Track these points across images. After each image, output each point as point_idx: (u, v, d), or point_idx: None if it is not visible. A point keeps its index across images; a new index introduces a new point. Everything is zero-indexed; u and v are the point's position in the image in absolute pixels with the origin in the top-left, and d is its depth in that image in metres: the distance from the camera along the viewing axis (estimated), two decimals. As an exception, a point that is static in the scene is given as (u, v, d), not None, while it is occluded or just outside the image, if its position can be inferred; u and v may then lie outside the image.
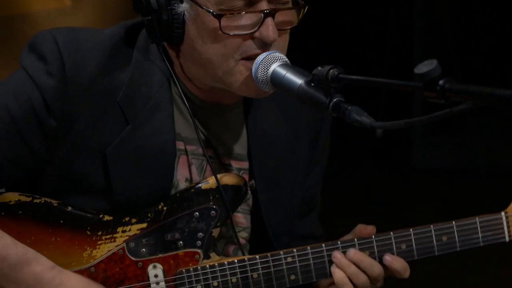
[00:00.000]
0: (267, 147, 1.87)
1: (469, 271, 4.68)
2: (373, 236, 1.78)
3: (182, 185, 1.79)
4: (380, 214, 4.98)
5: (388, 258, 1.77)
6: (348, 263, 1.76)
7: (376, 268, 1.77)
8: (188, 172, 1.81)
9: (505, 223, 1.78)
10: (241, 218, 1.90)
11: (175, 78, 1.77)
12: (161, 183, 1.77)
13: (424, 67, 1.31)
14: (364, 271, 1.76)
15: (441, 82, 1.31)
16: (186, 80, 1.79)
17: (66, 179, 1.75)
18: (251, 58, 1.68)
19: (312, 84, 1.56)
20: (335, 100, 1.54)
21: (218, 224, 1.78)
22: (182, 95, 1.77)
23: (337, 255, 1.76)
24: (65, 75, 1.69)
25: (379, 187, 6.34)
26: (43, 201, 1.75)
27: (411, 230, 1.78)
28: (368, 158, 7.18)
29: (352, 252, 1.76)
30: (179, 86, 1.77)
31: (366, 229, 1.79)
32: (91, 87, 1.71)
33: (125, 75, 1.75)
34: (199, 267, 1.76)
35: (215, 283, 1.76)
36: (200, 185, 1.78)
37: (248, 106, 1.85)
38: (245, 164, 1.87)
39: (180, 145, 1.80)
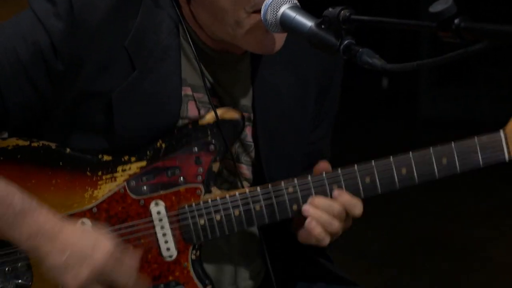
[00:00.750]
0: (272, 99, 1.85)
1: (475, 225, 4.69)
2: (373, 162, 1.76)
3: None
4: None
5: (336, 192, 1.75)
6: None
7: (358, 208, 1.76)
8: (198, 115, 1.79)
9: (504, 141, 1.74)
10: (245, 169, 1.87)
11: (184, 25, 1.74)
12: (165, 126, 1.75)
13: (439, 5, 1.27)
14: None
15: (456, 20, 1.27)
16: (196, 27, 1.76)
17: (70, 121, 1.73)
18: None
19: (323, 26, 1.52)
20: (346, 42, 1.50)
21: (218, 158, 1.76)
22: (191, 42, 1.73)
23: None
24: (74, 17, 1.66)
25: (385, 138, 6.32)
26: (41, 145, 1.74)
27: (410, 153, 1.76)
28: (375, 110, 7.14)
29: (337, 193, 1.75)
30: (188, 33, 1.74)
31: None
32: (99, 31, 1.68)
33: (134, 20, 1.71)
34: (201, 202, 1.74)
35: (218, 217, 1.75)
36: (197, 121, 1.77)
37: (256, 57, 1.82)
38: (250, 116, 1.84)
39: (187, 90, 1.78)
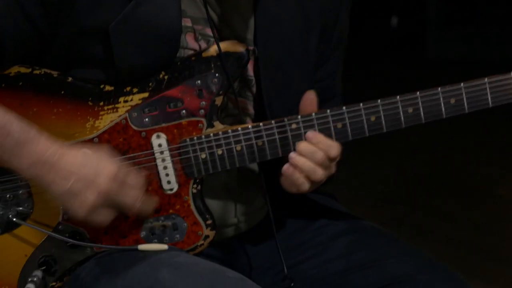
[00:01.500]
0: (274, 32, 1.79)
1: (482, 163, 4.66)
2: (379, 101, 1.71)
3: None
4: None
5: (310, 134, 1.71)
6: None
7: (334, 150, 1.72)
8: (197, 45, 1.74)
9: (514, 82, 1.70)
10: (247, 104, 1.84)
11: None
12: (165, 56, 1.71)
13: None
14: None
15: None
16: None
17: (69, 54, 1.68)
18: None
19: None
20: None
21: (221, 92, 1.72)
22: None
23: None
24: None
25: (393, 79, 6.25)
26: (43, 72, 1.70)
27: (418, 93, 1.71)
28: (383, 50, 7.06)
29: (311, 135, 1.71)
30: None
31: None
32: None
33: None
34: (203, 136, 1.71)
35: (220, 151, 1.72)
36: (201, 53, 1.72)
37: None
38: (251, 49, 1.77)
39: (187, 22, 1.73)
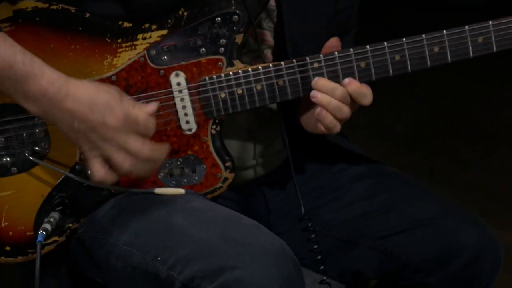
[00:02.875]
0: None
1: (502, 108, 4.56)
2: (404, 39, 1.64)
3: None
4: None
5: (347, 80, 1.65)
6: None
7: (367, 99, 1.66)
8: None
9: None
10: (268, 36, 1.77)
11: None
12: None
13: None
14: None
15: None
16: None
17: None
18: None
19: None
20: None
21: (241, 30, 1.65)
22: None
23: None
24: None
25: (410, 24, 6.12)
26: (60, 8, 1.63)
27: (444, 31, 1.64)
28: None
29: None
30: None
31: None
32: None
33: None
34: (222, 75, 1.65)
35: (239, 91, 1.66)
36: None
37: None
38: None
39: None
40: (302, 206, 1.75)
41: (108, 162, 1.54)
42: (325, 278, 1.76)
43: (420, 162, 3.97)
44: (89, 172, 1.57)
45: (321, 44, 1.73)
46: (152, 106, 1.57)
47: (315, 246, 1.76)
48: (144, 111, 1.55)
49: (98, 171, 1.55)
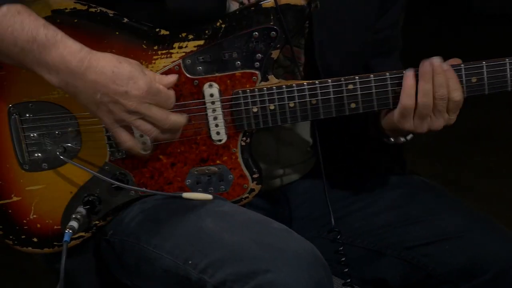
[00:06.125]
0: None
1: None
2: (433, 62, 1.55)
3: (236, 8, 1.60)
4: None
5: (444, 66, 1.56)
6: (440, 71, 1.55)
7: (459, 92, 1.57)
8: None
9: None
10: (299, 52, 1.70)
11: None
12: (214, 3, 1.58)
13: None
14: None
15: None
16: None
17: None
18: None
19: None
20: None
21: (278, 46, 1.58)
22: None
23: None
24: None
25: (436, 33, 5.96)
26: (98, 11, 1.58)
27: (483, 62, 1.57)
28: (427, 4, 6.71)
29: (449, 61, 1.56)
30: None
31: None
32: None
33: None
34: (256, 89, 1.59)
35: (272, 106, 1.60)
36: (261, 3, 1.59)
37: None
38: None
39: None
40: (332, 218, 1.70)
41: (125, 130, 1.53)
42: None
43: (444, 171, 3.90)
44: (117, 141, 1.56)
45: (356, 64, 1.67)
46: (172, 78, 1.55)
47: (343, 259, 1.72)
48: (165, 83, 1.53)
49: (126, 140, 1.55)
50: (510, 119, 4.44)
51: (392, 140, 1.70)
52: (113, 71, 1.47)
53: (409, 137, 1.69)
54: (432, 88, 1.55)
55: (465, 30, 6.12)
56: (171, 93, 1.54)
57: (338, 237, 1.71)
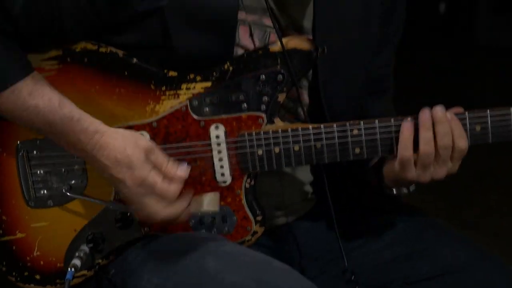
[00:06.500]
0: (334, 21, 1.66)
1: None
2: (441, 115, 1.57)
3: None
4: (442, 92, 4.71)
5: (448, 114, 1.56)
6: (444, 120, 1.56)
7: (464, 140, 1.58)
8: (250, 42, 1.62)
9: None
10: (303, 93, 1.71)
11: None
12: (223, 40, 1.59)
13: None
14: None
15: None
16: None
17: (129, 34, 1.58)
18: None
19: None
20: None
21: (285, 89, 1.60)
22: None
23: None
24: None
25: (441, 65, 5.98)
26: (108, 51, 1.61)
27: (487, 111, 1.58)
28: (431, 36, 6.76)
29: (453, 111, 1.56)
30: None
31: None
32: None
33: None
34: (262, 132, 1.60)
35: (277, 150, 1.61)
36: (268, 47, 1.61)
37: None
38: (309, 38, 1.65)
39: (241, 15, 1.60)
40: (345, 259, 1.71)
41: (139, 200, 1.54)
42: None
43: (448, 208, 3.89)
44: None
45: (359, 102, 1.68)
46: (182, 171, 1.54)
47: None
48: (171, 173, 1.52)
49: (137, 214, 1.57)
50: (510, 159, 4.44)
51: (395, 191, 1.70)
52: (116, 158, 1.50)
53: (411, 188, 1.69)
54: (433, 137, 1.56)
55: (469, 63, 6.13)
56: (172, 187, 1.53)
57: (353, 277, 1.71)
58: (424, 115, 1.56)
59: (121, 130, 1.53)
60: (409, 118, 1.58)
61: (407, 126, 1.57)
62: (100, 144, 1.50)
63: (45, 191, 1.65)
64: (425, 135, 1.56)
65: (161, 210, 1.52)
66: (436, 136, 1.56)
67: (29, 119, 1.51)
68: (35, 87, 1.51)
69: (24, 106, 1.50)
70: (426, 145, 1.56)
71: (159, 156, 1.52)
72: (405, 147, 1.57)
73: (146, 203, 1.51)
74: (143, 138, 1.54)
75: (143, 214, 1.53)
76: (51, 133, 1.52)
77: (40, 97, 1.50)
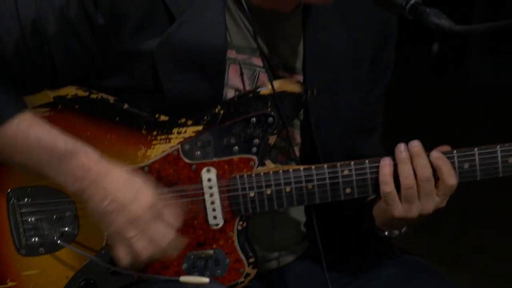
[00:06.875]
0: (324, 61, 1.67)
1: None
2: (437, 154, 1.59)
3: (231, 95, 1.63)
4: (435, 132, 4.75)
5: (435, 154, 1.58)
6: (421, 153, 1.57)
7: (453, 178, 1.58)
8: (240, 82, 1.63)
9: None
10: (295, 133, 1.72)
11: None
12: (213, 81, 1.60)
13: None
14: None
15: None
16: None
17: (120, 78, 1.59)
18: None
19: None
20: (413, 1, 1.35)
21: (275, 131, 1.61)
22: None
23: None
24: None
25: (435, 104, 6.04)
26: (99, 97, 1.62)
27: (475, 149, 1.60)
28: (424, 75, 6.84)
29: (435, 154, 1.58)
30: None
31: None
32: None
33: None
34: (253, 174, 1.60)
35: (268, 191, 1.62)
36: (258, 90, 1.63)
37: (307, 15, 1.64)
38: (300, 78, 1.67)
39: (230, 53, 1.61)
40: None
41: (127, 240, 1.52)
42: None
43: (438, 247, 3.89)
44: (115, 256, 1.55)
45: (351, 139, 1.69)
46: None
47: None
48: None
49: (124, 257, 1.53)
50: (503, 197, 4.46)
51: (386, 233, 1.70)
52: (127, 178, 1.51)
53: (403, 230, 1.70)
54: (412, 170, 1.57)
55: (461, 103, 6.18)
56: (176, 213, 1.55)
57: None
58: (399, 150, 1.58)
59: (129, 171, 1.55)
60: (389, 156, 1.60)
61: (384, 163, 1.59)
62: (106, 169, 1.51)
63: (37, 239, 1.64)
64: (404, 168, 1.57)
65: (167, 232, 1.52)
66: (415, 170, 1.57)
67: (28, 151, 1.52)
68: (35, 120, 1.54)
69: (24, 136, 1.51)
70: (406, 178, 1.57)
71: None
72: (385, 183, 1.58)
73: (154, 226, 1.51)
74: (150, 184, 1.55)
75: (140, 245, 1.51)
76: (51, 162, 1.51)
77: (40, 128, 1.52)
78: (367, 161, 1.60)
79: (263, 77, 1.65)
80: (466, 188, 1.64)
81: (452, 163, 1.59)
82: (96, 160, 1.52)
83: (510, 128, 4.70)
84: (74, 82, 1.61)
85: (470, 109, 5.79)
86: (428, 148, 1.60)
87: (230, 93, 1.64)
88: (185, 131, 1.61)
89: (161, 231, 1.52)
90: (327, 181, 1.60)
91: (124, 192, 1.50)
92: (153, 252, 1.52)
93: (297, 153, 1.73)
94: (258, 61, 1.65)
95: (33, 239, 1.64)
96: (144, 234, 1.51)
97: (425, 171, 1.57)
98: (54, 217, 1.64)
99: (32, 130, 1.52)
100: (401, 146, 1.58)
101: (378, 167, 1.60)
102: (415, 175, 1.57)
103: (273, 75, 1.64)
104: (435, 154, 1.58)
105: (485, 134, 4.89)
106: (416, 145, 1.58)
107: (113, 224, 1.51)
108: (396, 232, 1.71)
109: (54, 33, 1.54)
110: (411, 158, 1.57)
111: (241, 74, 1.64)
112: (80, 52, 1.57)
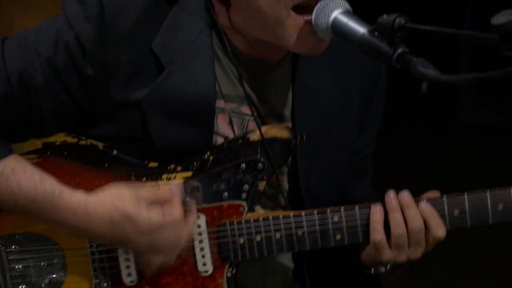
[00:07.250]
0: (313, 109, 1.68)
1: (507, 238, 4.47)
2: (424, 199, 1.60)
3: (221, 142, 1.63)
4: (422, 174, 4.75)
5: (423, 205, 1.58)
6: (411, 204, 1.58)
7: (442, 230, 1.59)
8: (229, 130, 1.63)
9: None
10: (283, 180, 1.71)
11: (219, 28, 1.57)
12: (202, 130, 1.60)
13: (502, 17, 1.12)
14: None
15: None
16: (231, 33, 1.59)
17: (109, 126, 1.59)
18: (303, 6, 1.49)
19: (376, 33, 1.37)
20: (400, 50, 1.35)
21: (265, 177, 1.61)
22: (227, 46, 1.57)
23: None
24: (104, 22, 1.51)
25: (422, 145, 6.05)
26: (88, 143, 1.61)
27: (465, 194, 1.60)
28: (412, 115, 6.86)
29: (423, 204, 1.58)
30: (223, 38, 1.58)
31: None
32: (129, 36, 1.53)
33: (162, 24, 1.56)
34: (243, 220, 1.59)
35: (258, 238, 1.60)
36: (247, 136, 1.63)
37: (296, 64, 1.65)
38: (289, 125, 1.67)
39: (219, 103, 1.62)
40: None
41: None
42: None
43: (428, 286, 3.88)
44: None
45: (339, 187, 1.68)
46: (176, 189, 1.54)
47: None
48: (167, 199, 1.53)
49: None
50: (498, 237, 4.45)
51: (373, 271, 1.69)
52: (111, 220, 1.50)
53: (388, 266, 1.69)
54: (403, 218, 1.57)
55: (450, 143, 6.18)
56: (175, 209, 1.52)
57: None
58: (389, 197, 1.58)
59: (99, 193, 1.52)
60: (380, 203, 1.59)
61: (375, 210, 1.59)
62: (87, 215, 1.50)
63: (24, 286, 1.62)
64: (394, 216, 1.58)
65: (180, 233, 1.52)
66: (406, 220, 1.58)
67: (12, 198, 1.51)
68: (17, 165, 1.53)
69: (7, 183, 1.51)
70: (397, 226, 1.57)
71: (145, 190, 1.52)
72: (375, 231, 1.58)
73: (164, 240, 1.51)
74: (121, 185, 1.52)
75: (162, 256, 1.54)
76: (35, 211, 1.51)
77: (22, 173, 1.51)
78: (356, 207, 1.60)
79: (252, 125, 1.65)
80: (456, 230, 1.63)
81: (442, 209, 1.58)
82: (75, 209, 1.51)
83: (501, 169, 4.71)
84: (63, 130, 1.61)
85: (458, 149, 5.80)
86: (416, 189, 1.61)
87: (219, 141, 1.64)
88: (174, 177, 1.61)
89: (165, 237, 1.54)
90: (317, 227, 1.60)
91: (114, 228, 1.51)
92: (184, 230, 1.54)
93: (285, 200, 1.72)
94: (247, 110, 1.65)
95: (20, 287, 1.62)
96: (150, 247, 1.54)
97: (416, 222, 1.57)
98: (42, 264, 1.62)
99: (14, 176, 1.51)
100: (391, 194, 1.58)
101: (368, 213, 1.59)
102: (405, 224, 1.56)
103: (262, 123, 1.64)
104: (423, 205, 1.58)
105: (475, 176, 4.90)
106: (406, 196, 1.58)
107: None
108: (382, 269, 1.70)
109: (42, 84, 1.55)
110: (402, 208, 1.57)
111: (230, 123, 1.63)
112: (68, 102, 1.57)
